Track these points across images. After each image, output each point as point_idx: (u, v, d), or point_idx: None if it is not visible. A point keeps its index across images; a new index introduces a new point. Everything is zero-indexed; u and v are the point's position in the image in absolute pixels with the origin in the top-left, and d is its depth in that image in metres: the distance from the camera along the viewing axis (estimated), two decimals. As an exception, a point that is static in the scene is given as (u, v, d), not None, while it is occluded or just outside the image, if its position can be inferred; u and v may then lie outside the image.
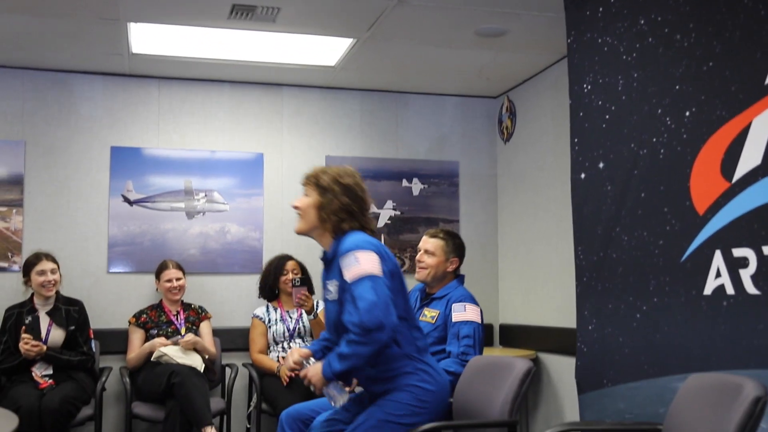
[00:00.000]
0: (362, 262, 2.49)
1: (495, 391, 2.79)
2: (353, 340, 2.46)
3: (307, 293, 4.22)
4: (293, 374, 2.85)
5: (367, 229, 2.70)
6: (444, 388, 2.69)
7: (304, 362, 2.80)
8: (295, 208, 2.73)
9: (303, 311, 4.38)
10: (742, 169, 2.66)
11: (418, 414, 2.59)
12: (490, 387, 2.84)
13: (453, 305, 3.57)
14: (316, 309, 4.42)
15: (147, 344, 4.24)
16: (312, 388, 2.65)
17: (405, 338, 2.66)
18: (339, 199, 2.64)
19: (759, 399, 1.91)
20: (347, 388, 2.65)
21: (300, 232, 2.75)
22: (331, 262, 2.69)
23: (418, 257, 3.71)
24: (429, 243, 3.68)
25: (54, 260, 4.19)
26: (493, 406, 2.76)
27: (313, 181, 2.68)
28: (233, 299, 4.81)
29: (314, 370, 2.61)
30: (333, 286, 2.64)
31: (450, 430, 2.75)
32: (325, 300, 2.77)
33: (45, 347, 3.96)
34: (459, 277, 3.74)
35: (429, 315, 3.64)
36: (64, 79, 4.67)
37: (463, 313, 3.54)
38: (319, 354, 2.86)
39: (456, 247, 3.70)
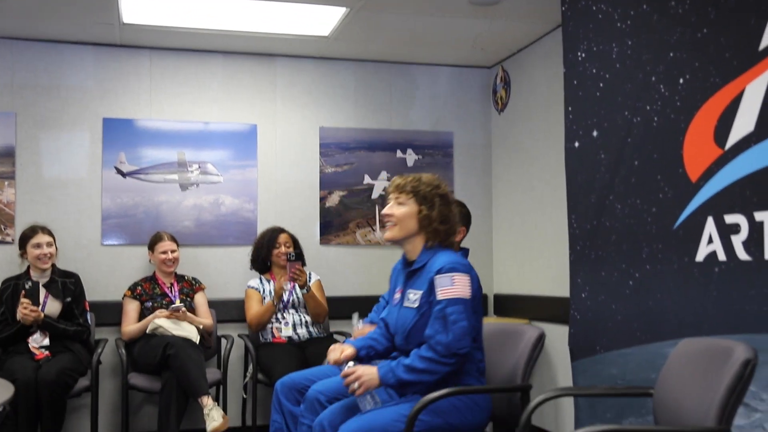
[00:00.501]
0: (459, 285, 2.58)
1: (506, 358, 2.84)
2: (433, 359, 2.54)
3: (301, 268, 4.23)
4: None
5: (456, 243, 2.80)
6: (480, 422, 2.68)
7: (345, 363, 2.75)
8: (388, 216, 2.75)
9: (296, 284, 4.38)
10: (735, 136, 2.66)
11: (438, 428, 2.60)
12: (499, 354, 2.89)
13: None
14: (309, 282, 4.44)
15: (147, 318, 4.24)
16: (352, 388, 2.61)
17: (472, 358, 2.70)
18: (439, 209, 2.70)
19: (749, 361, 1.93)
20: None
21: (392, 240, 2.77)
22: (417, 272, 2.73)
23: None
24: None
25: (50, 233, 4.20)
26: (505, 372, 2.82)
27: (411, 190, 2.71)
28: (228, 271, 4.81)
29: (368, 373, 2.60)
30: (415, 296, 2.69)
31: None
32: (398, 306, 2.79)
33: (42, 314, 3.98)
34: (463, 251, 3.60)
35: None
36: (55, 50, 4.62)
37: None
38: (363, 352, 2.83)
39: (462, 216, 3.57)
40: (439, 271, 2.60)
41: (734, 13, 2.69)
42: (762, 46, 2.58)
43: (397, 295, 2.83)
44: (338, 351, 2.77)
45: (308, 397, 2.98)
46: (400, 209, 2.72)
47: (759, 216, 2.55)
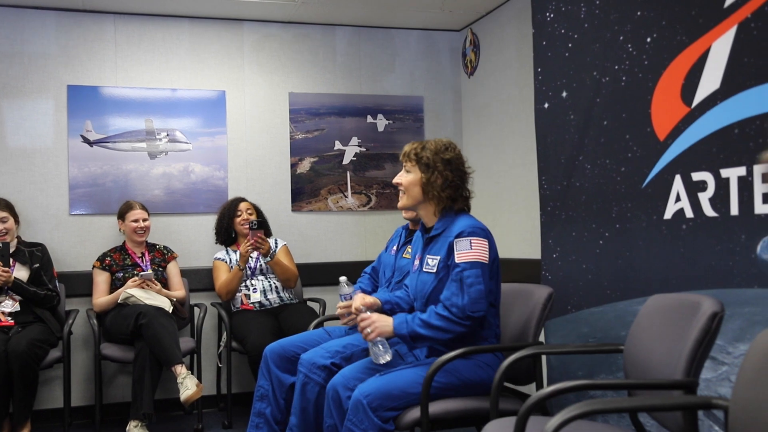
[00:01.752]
0: (477, 249, 2.62)
1: (517, 317, 2.91)
2: (449, 318, 2.57)
3: (263, 236, 4.20)
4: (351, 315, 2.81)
5: (468, 203, 2.80)
6: (491, 380, 2.67)
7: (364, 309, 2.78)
8: (398, 184, 2.81)
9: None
10: (701, 94, 2.68)
11: (453, 388, 2.65)
12: (510, 313, 2.95)
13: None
14: (274, 250, 4.42)
15: (119, 290, 4.20)
16: (366, 332, 2.66)
17: (489, 324, 2.73)
18: (442, 174, 2.71)
19: (716, 314, 1.97)
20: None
21: (404, 208, 2.87)
22: (435, 238, 2.76)
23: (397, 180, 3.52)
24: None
25: (7, 205, 4.11)
26: (515, 331, 2.91)
27: (414, 157, 2.75)
28: (199, 239, 4.78)
29: (383, 320, 2.65)
30: (433, 261, 2.72)
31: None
32: (417, 272, 2.83)
33: (12, 275, 3.92)
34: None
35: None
36: (16, 15, 4.50)
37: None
38: (387, 306, 2.90)
39: None
40: (458, 235, 2.63)
41: (701, -29, 2.69)
42: (727, 3, 2.59)
43: (417, 262, 2.87)
44: (359, 299, 2.79)
45: (335, 383, 2.77)
46: (406, 177, 2.77)
47: (725, 173, 2.58)
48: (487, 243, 2.66)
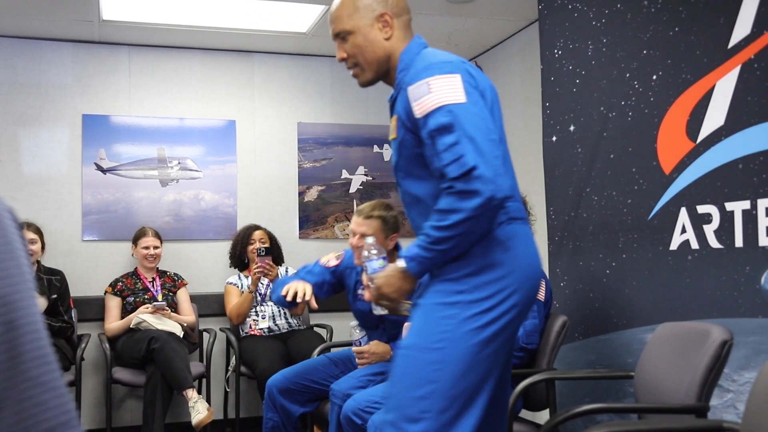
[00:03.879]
0: None
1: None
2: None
3: (270, 263, 4.23)
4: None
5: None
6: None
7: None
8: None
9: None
10: (706, 130, 2.80)
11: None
12: None
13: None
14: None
15: (131, 315, 4.27)
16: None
17: None
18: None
19: (725, 342, 2.06)
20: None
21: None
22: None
23: (353, 242, 3.20)
24: (364, 225, 3.17)
25: (37, 230, 4.21)
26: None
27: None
28: (209, 265, 4.86)
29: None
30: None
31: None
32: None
33: None
34: (400, 251, 3.20)
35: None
36: (34, 47, 4.62)
37: None
38: None
39: (394, 222, 3.24)
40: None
41: (704, 13, 2.82)
42: (731, 44, 2.71)
43: None
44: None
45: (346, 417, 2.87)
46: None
47: (729, 206, 2.68)
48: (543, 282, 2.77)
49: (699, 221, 2.81)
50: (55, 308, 4.15)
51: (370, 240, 2.35)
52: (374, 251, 2.25)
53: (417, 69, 1.98)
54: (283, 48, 4.98)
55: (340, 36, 2.13)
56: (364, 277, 2.29)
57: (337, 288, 3.40)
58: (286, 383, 3.33)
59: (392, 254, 3.23)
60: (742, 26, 2.66)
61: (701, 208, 2.80)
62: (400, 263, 1.96)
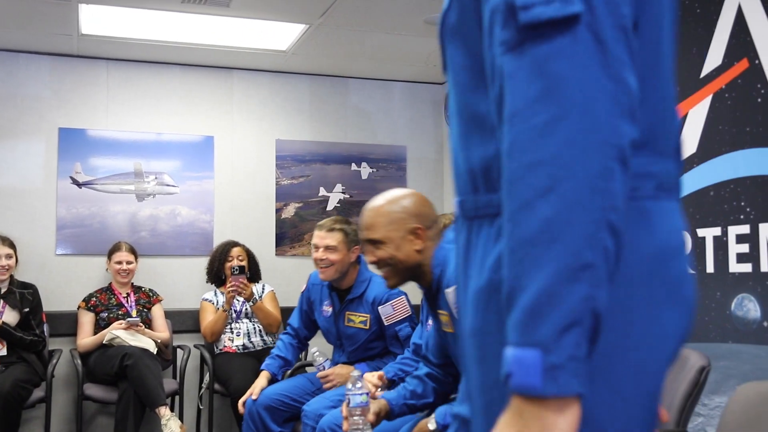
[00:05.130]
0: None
1: None
2: None
3: (245, 281, 4.23)
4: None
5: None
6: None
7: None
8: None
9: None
10: (679, 157, 2.86)
11: None
12: None
13: (379, 308, 3.35)
14: (260, 295, 4.48)
15: (104, 331, 4.23)
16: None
17: None
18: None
19: (704, 368, 2.09)
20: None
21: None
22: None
23: (317, 255, 3.36)
24: (328, 238, 3.33)
25: (11, 245, 4.16)
26: None
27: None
28: (184, 281, 4.83)
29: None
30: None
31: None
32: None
33: (1, 320, 3.94)
34: (362, 264, 3.43)
35: (358, 321, 3.41)
36: (10, 59, 4.58)
37: (393, 313, 3.34)
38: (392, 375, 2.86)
39: (354, 235, 3.36)
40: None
41: (678, 43, 2.89)
42: (703, 73, 2.78)
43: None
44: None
45: None
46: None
47: (701, 232, 2.74)
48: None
49: (671, 246, 2.86)
50: (26, 322, 4.11)
51: (355, 374, 2.28)
52: (359, 385, 2.23)
53: None
54: (263, 65, 5.00)
55: (372, 243, 2.24)
56: (344, 409, 2.25)
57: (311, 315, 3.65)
58: (267, 400, 3.35)
59: (354, 267, 3.41)
60: (714, 57, 2.74)
61: (673, 234, 2.86)
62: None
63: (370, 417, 2.26)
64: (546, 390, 0.76)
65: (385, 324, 3.33)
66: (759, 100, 2.57)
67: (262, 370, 3.51)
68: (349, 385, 2.23)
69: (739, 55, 2.65)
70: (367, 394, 2.24)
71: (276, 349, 3.60)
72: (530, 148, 0.78)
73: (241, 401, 3.43)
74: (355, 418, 2.19)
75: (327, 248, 3.30)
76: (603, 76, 0.79)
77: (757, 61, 2.59)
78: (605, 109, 0.78)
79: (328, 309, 3.47)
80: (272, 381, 3.46)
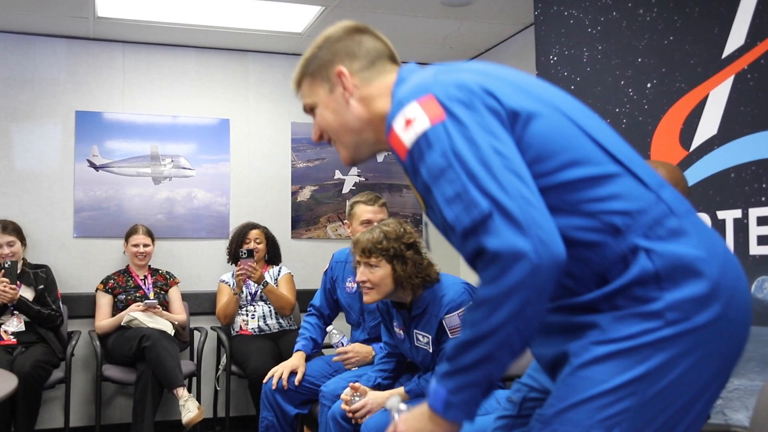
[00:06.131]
0: None
1: None
2: None
3: (254, 265, 4.24)
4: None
5: (435, 270, 2.71)
6: None
7: (353, 398, 2.81)
8: (363, 283, 2.67)
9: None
10: (699, 139, 2.83)
11: None
12: None
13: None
14: (276, 278, 4.49)
15: (121, 313, 4.26)
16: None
17: None
18: (412, 260, 2.64)
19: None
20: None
21: (374, 302, 2.75)
22: (418, 316, 2.69)
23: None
24: (381, 213, 3.40)
25: (14, 230, 4.17)
26: None
27: (379, 251, 2.63)
28: (200, 264, 4.85)
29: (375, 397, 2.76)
30: (425, 338, 2.68)
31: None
32: (407, 342, 2.78)
33: (19, 293, 3.97)
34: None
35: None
36: (28, 42, 4.60)
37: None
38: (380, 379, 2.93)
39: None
40: (447, 313, 2.62)
41: (699, 22, 2.85)
42: (725, 54, 2.74)
43: (400, 332, 2.81)
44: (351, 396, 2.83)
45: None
46: (374, 273, 2.66)
47: (721, 214, 2.71)
48: None
49: (691, 229, 2.83)
50: (42, 299, 4.14)
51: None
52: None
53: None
54: (278, 48, 4.99)
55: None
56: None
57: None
58: (283, 383, 3.35)
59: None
60: (737, 36, 2.69)
61: (693, 216, 2.83)
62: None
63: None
64: (443, 414, 1.26)
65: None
66: (782, 80, 2.53)
67: (299, 350, 3.44)
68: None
69: (763, 35, 2.60)
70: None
71: (306, 331, 3.54)
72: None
73: (284, 378, 3.34)
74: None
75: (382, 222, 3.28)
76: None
77: (780, 41, 2.55)
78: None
79: (352, 285, 3.46)
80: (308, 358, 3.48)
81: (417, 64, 1.48)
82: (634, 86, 3.11)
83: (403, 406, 1.44)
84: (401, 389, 2.79)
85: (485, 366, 1.20)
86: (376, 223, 3.05)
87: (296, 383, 3.32)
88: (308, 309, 3.65)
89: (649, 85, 3.04)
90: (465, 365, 1.21)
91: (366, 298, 2.70)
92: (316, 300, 3.65)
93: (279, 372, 3.34)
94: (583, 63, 3.38)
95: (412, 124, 1.27)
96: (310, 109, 1.58)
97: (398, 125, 1.29)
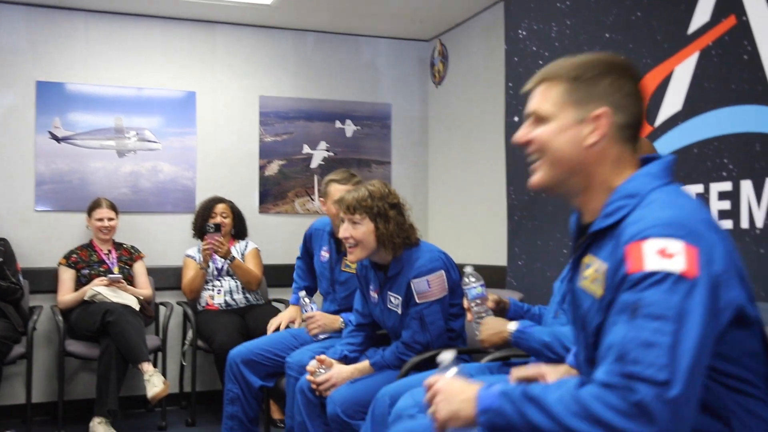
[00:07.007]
0: (435, 287, 2.68)
1: None
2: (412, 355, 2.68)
3: (220, 239, 4.22)
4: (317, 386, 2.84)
5: (416, 234, 2.79)
6: None
7: (319, 370, 2.83)
8: (346, 239, 2.74)
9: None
10: (664, 114, 2.85)
11: None
12: None
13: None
14: (243, 252, 4.47)
15: (85, 288, 4.20)
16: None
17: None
18: (395, 220, 2.72)
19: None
20: None
21: (359, 260, 2.82)
22: (393, 277, 2.76)
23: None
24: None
25: None
26: None
27: (363, 208, 2.69)
28: (166, 238, 4.80)
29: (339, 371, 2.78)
30: (396, 300, 2.75)
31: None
32: (379, 305, 2.84)
33: None
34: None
35: (354, 267, 3.26)
36: (-15, 10, 4.47)
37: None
38: (353, 353, 2.93)
39: None
40: (416, 276, 2.67)
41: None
42: (690, 30, 2.75)
43: (375, 295, 2.87)
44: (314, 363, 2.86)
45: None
46: (357, 230, 2.71)
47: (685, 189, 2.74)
48: (442, 273, 2.71)
49: (654, 204, 2.86)
50: (1, 272, 4.06)
51: (468, 269, 2.40)
52: (473, 279, 2.37)
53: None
54: (246, 19, 4.91)
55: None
56: (465, 302, 2.41)
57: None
58: (249, 355, 3.36)
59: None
60: (702, 13, 2.71)
61: (657, 191, 2.85)
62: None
63: (490, 304, 2.38)
64: (477, 410, 1.35)
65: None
66: (745, 57, 2.55)
67: (292, 305, 3.78)
68: (465, 280, 2.37)
69: (727, 11, 2.62)
70: (483, 285, 2.36)
71: (295, 284, 3.80)
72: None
73: (281, 327, 3.68)
74: (476, 308, 2.36)
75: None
76: None
77: (744, 18, 2.56)
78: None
79: (325, 254, 3.48)
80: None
81: (659, 166, 1.43)
82: (601, 62, 3.11)
83: (453, 368, 1.49)
84: (366, 362, 2.80)
85: (534, 430, 1.27)
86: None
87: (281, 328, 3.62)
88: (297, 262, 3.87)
89: (616, 60, 3.05)
90: (526, 415, 1.28)
91: (351, 257, 2.78)
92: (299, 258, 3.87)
93: (277, 322, 3.68)
94: (551, 38, 3.37)
95: (667, 257, 1.24)
96: (532, 114, 1.49)
97: (652, 245, 1.26)
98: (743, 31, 2.55)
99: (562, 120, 1.43)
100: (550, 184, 1.48)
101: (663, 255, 1.25)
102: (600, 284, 1.36)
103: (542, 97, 1.46)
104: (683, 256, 1.23)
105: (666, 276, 1.23)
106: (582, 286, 1.44)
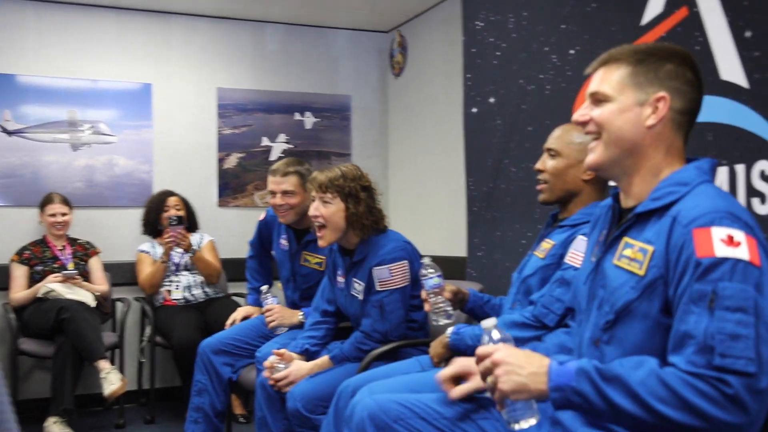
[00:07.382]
0: (396, 276, 2.66)
1: None
2: (370, 347, 2.67)
3: (183, 232, 4.17)
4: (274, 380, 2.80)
5: (385, 221, 2.79)
6: None
7: (278, 365, 2.80)
8: (315, 218, 2.72)
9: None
10: (619, 105, 2.87)
11: None
12: None
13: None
14: (199, 245, 4.41)
15: (38, 285, 4.11)
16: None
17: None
18: (365, 202, 2.71)
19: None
20: None
21: (328, 243, 2.77)
22: (359, 263, 2.74)
23: (276, 201, 3.24)
24: (284, 183, 3.21)
25: None
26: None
27: (335, 188, 2.68)
28: (122, 233, 4.72)
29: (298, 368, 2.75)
30: (360, 286, 2.73)
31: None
32: (344, 291, 2.82)
33: None
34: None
35: (314, 261, 3.33)
36: (-70, -1, 4.34)
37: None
38: (316, 346, 2.90)
39: (309, 174, 3.09)
40: (378, 264, 2.66)
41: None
42: (644, 21, 2.78)
43: (342, 280, 2.85)
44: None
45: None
46: (327, 209, 2.71)
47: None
48: (406, 264, 2.69)
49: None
50: None
51: (426, 260, 2.38)
52: (430, 270, 2.34)
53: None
54: (202, 10, 4.84)
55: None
56: (423, 293, 2.37)
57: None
58: (219, 345, 3.33)
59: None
60: (655, 4, 2.73)
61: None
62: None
63: (447, 294, 2.35)
64: (550, 387, 1.35)
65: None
66: (697, 47, 2.58)
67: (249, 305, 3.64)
68: (422, 270, 2.34)
69: (679, 3, 2.64)
70: (440, 275, 2.34)
71: (249, 284, 3.70)
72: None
73: (236, 321, 3.54)
74: (433, 298, 2.32)
75: (285, 193, 3.22)
76: None
77: (695, 9, 2.59)
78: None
79: (285, 243, 3.43)
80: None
81: (708, 164, 1.51)
82: (558, 53, 3.13)
83: (497, 333, 1.46)
84: (326, 357, 2.78)
85: (616, 412, 1.30)
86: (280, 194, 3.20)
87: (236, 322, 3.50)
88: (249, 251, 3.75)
89: (572, 51, 3.07)
90: (608, 396, 1.30)
91: (321, 242, 2.75)
92: (252, 242, 3.76)
93: (233, 318, 3.54)
94: (508, 29, 3.38)
95: (734, 245, 1.31)
96: (592, 94, 1.54)
97: (719, 232, 1.32)
98: (695, 22, 2.58)
99: (622, 101, 1.48)
100: (607, 164, 1.51)
101: (730, 243, 1.31)
102: (642, 265, 1.41)
103: (603, 79, 1.52)
104: (746, 246, 1.30)
105: (736, 263, 1.29)
106: (617, 264, 1.47)
